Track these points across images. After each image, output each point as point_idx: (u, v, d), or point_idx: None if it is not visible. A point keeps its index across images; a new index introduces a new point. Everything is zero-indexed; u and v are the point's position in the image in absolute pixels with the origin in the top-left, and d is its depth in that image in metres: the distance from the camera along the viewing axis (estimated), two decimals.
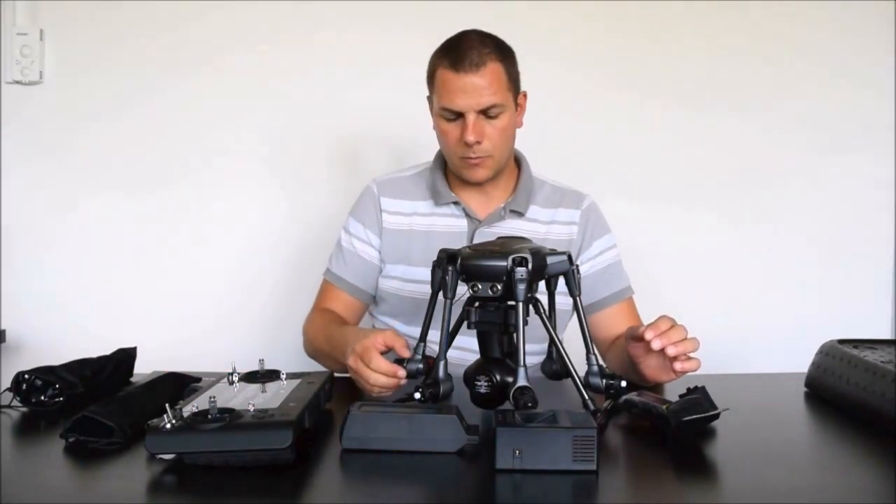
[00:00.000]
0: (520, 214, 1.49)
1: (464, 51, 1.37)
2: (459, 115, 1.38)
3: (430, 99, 1.48)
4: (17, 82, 2.08)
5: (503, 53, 1.41)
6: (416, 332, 1.48)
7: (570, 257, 1.05)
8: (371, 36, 2.10)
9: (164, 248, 2.14)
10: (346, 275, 1.54)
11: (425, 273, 1.44)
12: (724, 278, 2.18)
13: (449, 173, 1.52)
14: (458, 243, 1.43)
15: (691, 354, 1.15)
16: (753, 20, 2.14)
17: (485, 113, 1.38)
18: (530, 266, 0.97)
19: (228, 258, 2.16)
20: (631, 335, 1.22)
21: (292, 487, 0.83)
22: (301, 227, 2.13)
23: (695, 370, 1.15)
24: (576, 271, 1.07)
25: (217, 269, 2.16)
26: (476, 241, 1.45)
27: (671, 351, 1.12)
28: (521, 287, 0.96)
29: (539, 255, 1.01)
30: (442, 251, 1.06)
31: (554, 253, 1.05)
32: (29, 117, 2.10)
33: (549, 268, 1.03)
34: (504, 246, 1.02)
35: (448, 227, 1.49)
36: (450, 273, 1.02)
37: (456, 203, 1.49)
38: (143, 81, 2.11)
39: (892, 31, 2.14)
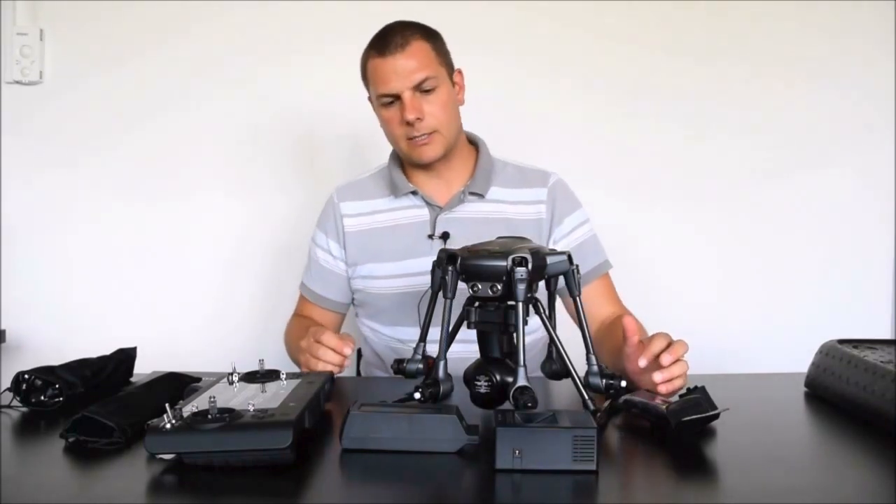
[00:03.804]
0: (480, 196, 1.49)
1: (388, 37, 1.40)
2: (397, 98, 1.40)
3: (370, 99, 1.48)
4: (17, 82, 2.08)
5: (428, 33, 1.43)
6: (398, 333, 1.50)
7: (569, 257, 1.05)
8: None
9: (164, 248, 2.15)
10: (315, 286, 1.57)
11: (394, 268, 1.47)
12: (724, 278, 2.18)
13: (406, 164, 1.52)
14: (421, 232, 1.46)
15: (678, 374, 1.10)
16: (750, 23, 2.14)
17: (420, 89, 1.39)
18: (530, 266, 0.97)
19: (229, 258, 2.16)
20: (628, 351, 1.17)
21: (292, 487, 0.83)
22: (299, 227, 2.13)
23: (678, 389, 1.11)
24: (576, 271, 1.06)
25: (217, 270, 2.16)
26: (439, 227, 1.46)
27: (663, 389, 1.08)
28: (521, 287, 0.96)
29: (539, 254, 1.01)
30: (442, 251, 1.06)
31: (554, 253, 1.04)
32: (29, 117, 2.10)
33: (548, 268, 1.03)
34: (504, 246, 1.02)
35: (410, 217, 1.50)
36: (450, 273, 1.02)
37: (414, 192, 1.49)
38: (143, 82, 2.11)
39: (891, 33, 2.14)
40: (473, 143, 1.56)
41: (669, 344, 1.12)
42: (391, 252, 1.48)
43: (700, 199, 2.17)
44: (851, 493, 0.84)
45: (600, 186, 2.11)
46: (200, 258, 2.15)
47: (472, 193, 1.48)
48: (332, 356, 1.22)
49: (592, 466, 0.85)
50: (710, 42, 2.14)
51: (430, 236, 1.47)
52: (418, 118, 1.39)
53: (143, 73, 2.11)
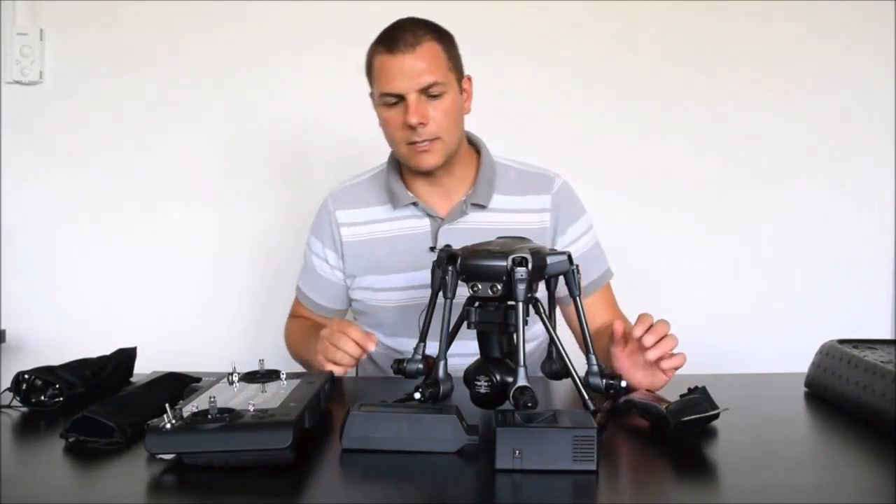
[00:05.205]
0: (482, 207, 1.44)
1: (398, 33, 1.33)
2: (401, 99, 1.33)
3: (372, 95, 1.42)
4: (17, 82, 2.08)
5: (440, 35, 1.36)
6: (399, 344, 1.48)
7: (569, 257, 1.05)
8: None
9: (164, 248, 2.15)
10: (310, 292, 1.54)
11: (396, 280, 1.44)
12: (724, 278, 2.18)
13: (405, 172, 1.46)
14: (422, 245, 1.43)
15: (674, 350, 1.12)
16: (750, 27, 2.14)
17: (426, 93, 1.33)
18: (530, 266, 0.97)
19: (230, 258, 2.16)
20: (614, 350, 1.19)
21: (292, 487, 0.83)
22: (297, 227, 2.13)
23: (681, 365, 1.14)
24: (576, 271, 1.06)
25: (217, 269, 2.16)
26: (441, 240, 1.41)
27: (652, 356, 1.11)
28: (521, 287, 0.96)
29: (539, 254, 1.01)
30: (441, 251, 1.06)
31: (554, 253, 1.04)
32: (29, 117, 2.10)
33: (548, 268, 1.03)
34: (504, 246, 1.02)
35: (410, 229, 1.45)
36: (450, 273, 1.02)
37: (415, 204, 1.44)
38: (143, 82, 2.11)
39: (891, 35, 2.14)
40: (474, 144, 1.50)
41: (651, 325, 1.13)
42: (392, 264, 1.44)
43: (701, 201, 2.18)
44: (851, 493, 0.84)
45: (600, 189, 2.11)
46: (201, 258, 2.15)
47: (473, 205, 1.43)
48: (352, 348, 1.20)
49: (592, 466, 0.85)
50: (711, 46, 2.14)
51: (433, 248, 1.42)
52: (421, 123, 1.32)
53: (143, 73, 2.11)
